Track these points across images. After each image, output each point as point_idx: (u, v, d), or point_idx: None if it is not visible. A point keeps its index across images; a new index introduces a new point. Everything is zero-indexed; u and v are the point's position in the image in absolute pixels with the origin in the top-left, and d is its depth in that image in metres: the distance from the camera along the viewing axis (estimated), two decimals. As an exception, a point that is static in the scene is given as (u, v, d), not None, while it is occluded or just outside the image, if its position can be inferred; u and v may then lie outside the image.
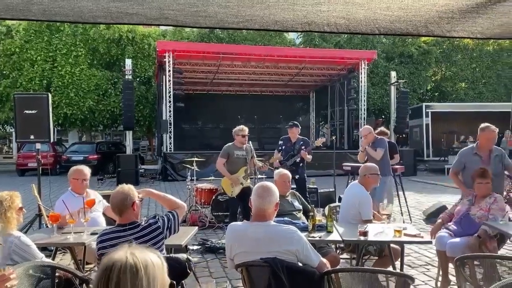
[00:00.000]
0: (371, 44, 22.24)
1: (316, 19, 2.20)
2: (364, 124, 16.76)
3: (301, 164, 6.57)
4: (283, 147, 6.81)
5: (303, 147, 6.54)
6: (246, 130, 6.10)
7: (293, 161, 6.56)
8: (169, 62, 15.24)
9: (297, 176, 6.53)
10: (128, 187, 2.70)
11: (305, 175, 6.70)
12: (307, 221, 3.64)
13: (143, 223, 2.70)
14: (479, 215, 3.95)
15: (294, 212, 4.13)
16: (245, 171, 6.06)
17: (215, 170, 12.53)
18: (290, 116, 21.64)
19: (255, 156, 6.20)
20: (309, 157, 6.51)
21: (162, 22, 2.18)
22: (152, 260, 1.28)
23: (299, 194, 4.54)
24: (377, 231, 3.54)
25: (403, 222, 4.00)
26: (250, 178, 6.21)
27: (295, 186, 6.55)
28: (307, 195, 6.60)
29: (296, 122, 6.85)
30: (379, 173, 4.25)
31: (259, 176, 7.23)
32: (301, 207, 4.30)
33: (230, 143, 6.13)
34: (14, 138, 18.46)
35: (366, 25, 2.23)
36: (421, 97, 24.08)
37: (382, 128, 7.55)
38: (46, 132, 5.85)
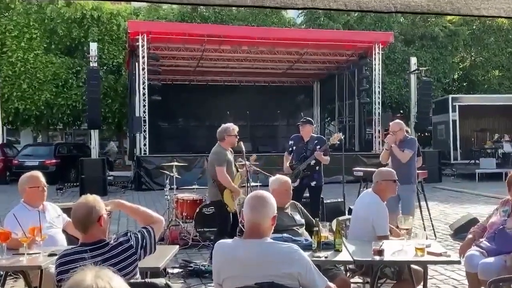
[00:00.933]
0: (386, 24, 22.36)
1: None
2: (379, 121, 16.88)
3: (317, 168, 6.57)
4: (294, 147, 6.78)
5: (318, 147, 6.53)
6: (237, 128, 6.04)
7: (307, 164, 6.53)
8: (142, 46, 15.21)
9: (313, 183, 6.55)
10: (93, 198, 2.69)
11: (323, 182, 6.70)
12: (311, 238, 3.64)
13: (112, 241, 2.69)
14: (517, 229, 3.96)
15: (295, 228, 4.14)
16: (240, 177, 6.07)
17: (198, 176, 12.65)
18: (289, 112, 21.74)
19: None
20: (326, 158, 6.54)
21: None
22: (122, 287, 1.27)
23: (300, 206, 4.55)
24: (395, 250, 3.55)
25: (426, 238, 4.01)
26: (242, 186, 6.21)
27: (307, 195, 6.57)
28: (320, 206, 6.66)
29: (309, 119, 6.88)
30: (395, 179, 4.27)
31: (253, 183, 7.26)
32: (303, 221, 4.30)
33: (218, 147, 5.92)
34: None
35: (380, 1, 2.23)
36: (447, 87, 24.24)
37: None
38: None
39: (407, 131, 6.86)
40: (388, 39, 17.25)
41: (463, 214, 8.42)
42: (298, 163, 6.61)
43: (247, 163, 6.36)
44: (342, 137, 6.90)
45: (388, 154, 6.38)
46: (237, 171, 6.07)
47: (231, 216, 5.92)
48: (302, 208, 4.56)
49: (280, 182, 4.28)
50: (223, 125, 6.01)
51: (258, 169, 8.03)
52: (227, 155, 5.84)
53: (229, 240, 2.73)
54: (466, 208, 10.13)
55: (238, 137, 5.99)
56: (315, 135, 6.73)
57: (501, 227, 4.03)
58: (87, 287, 1.25)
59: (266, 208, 2.61)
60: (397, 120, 6.62)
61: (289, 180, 4.36)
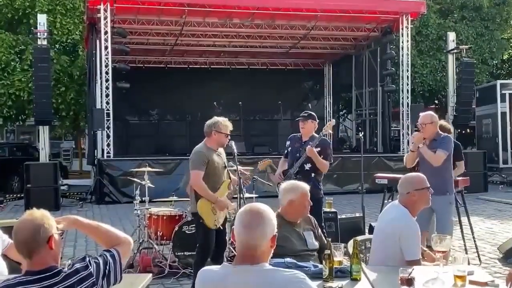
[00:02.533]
0: (417, -10, 22.42)
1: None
2: (408, 114, 16.93)
3: (313, 175, 6.44)
4: (289, 148, 6.79)
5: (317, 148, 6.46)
6: (230, 125, 6.04)
7: (299, 165, 6.45)
8: (105, 19, 15.18)
9: None
10: (41, 214, 2.66)
11: (322, 193, 6.58)
12: (322, 264, 3.64)
13: (65, 268, 2.67)
14: None
15: (308, 252, 4.15)
16: (228, 186, 6.04)
17: (178, 186, 12.63)
18: (293, 103, 21.75)
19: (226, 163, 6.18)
20: (324, 162, 6.42)
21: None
22: None
23: (315, 221, 4.54)
24: (429, 278, 3.55)
25: (468, 264, 4.02)
26: (234, 197, 6.19)
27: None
28: (323, 225, 6.50)
29: (312, 113, 6.80)
30: (428, 186, 4.28)
31: (247, 194, 7.25)
32: (317, 244, 4.30)
33: (201, 146, 5.96)
34: None
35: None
36: (494, 71, 24.32)
37: (443, 122, 7.54)
38: None
39: (443, 127, 6.84)
40: (420, 9, 17.29)
41: (515, 233, 8.45)
42: (290, 167, 6.59)
43: (241, 168, 6.34)
44: (333, 124, 6.88)
45: (414, 156, 6.31)
46: (229, 178, 6.07)
47: (215, 234, 5.90)
48: (317, 224, 4.55)
49: (299, 190, 4.27)
50: (214, 118, 6.02)
51: (255, 176, 8.01)
52: (211, 156, 5.85)
53: (216, 267, 2.72)
54: (519, 225, 10.15)
55: (229, 136, 6.00)
56: (317, 135, 6.64)
57: None
58: None
59: (263, 226, 2.60)
60: (429, 112, 6.56)
61: (308, 188, 4.38)
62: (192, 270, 6.66)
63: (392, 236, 4.07)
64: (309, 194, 4.36)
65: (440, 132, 6.29)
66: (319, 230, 4.51)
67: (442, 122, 7.69)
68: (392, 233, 4.09)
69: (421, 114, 6.38)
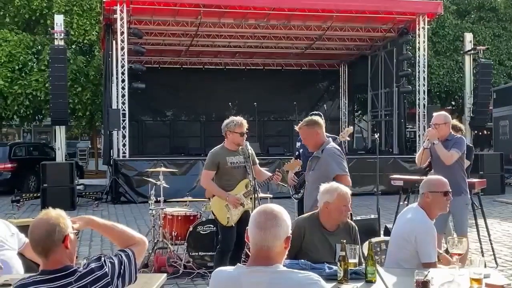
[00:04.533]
0: (434, -10, 22.30)
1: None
2: (424, 115, 16.82)
3: None
4: (301, 150, 6.80)
5: None
6: (245, 124, 6.07)
7: None
8: (121, 19, 15.26)
9: None
10: (56, 214, 2.68)
11: None
12: (336, 265, 3.63)
13: (81, 268, 2.68)
14: None
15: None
16: (246, 185, 6.09)
17: (193, 186, 12.66)
18: (308, 103, 21.69)
19: (257, 161, 6.23)
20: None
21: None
22: None
23: (356, 230, 4.32)
24: (445, 281, 3.53)
25: (485, 266, 3.98)
26: (251, 197, 6.20)
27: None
28: None
29: (319, 113, 6.81)
30: (447, 190, 4.24)
31: (262, 194, 7.23)
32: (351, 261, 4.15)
33: (218, 147, 6.11)
34: None
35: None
36: (511, 72, 24.09)
37: (455, 121, 7.51)
38: None
39: (454, 127, 6.83)
40: (437, 9, 17.18)
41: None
42: (304, 170, 6.56)
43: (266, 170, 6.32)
44: (351, 131, 6.82)
45: (426, 155, 6.31)
46: (253, 177, 6.00)
47: (235, 233, 5.99)
48: (358, 235, 4.34)
49: (336, 192, 4.17)
50: (230, 118, 6.10)
51: (280, 173, 7.99)
52: (224, 156, 5.97)
53: (229, 268, 2.72)
54: (536, 228, 10.07)
55: (244, 135, 6.03)
56: (329, 135, 6.61)
57: None
58: None
59: (277, 228, 2.59)
60: (442, 112, 6.55)
61: (349, 191, 4.25)
62: (206, 270, 6.74)
63: (408, 237, 4.07)
64: (348, 198, 4.19)
65: (453, 133, 6.30)
66: (358, 243, 4.28)
67: (454, 121, 7.67)
68: (408, 235, 4.07)
69: (435, 114, 6.39)
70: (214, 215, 6.09)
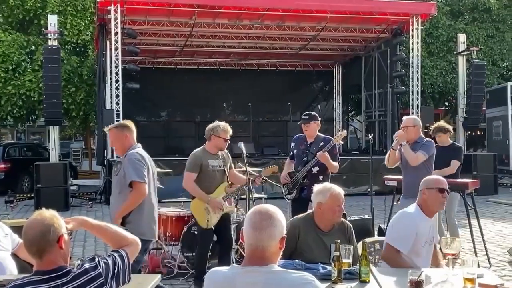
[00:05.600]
0: (427, -9, 22.36)
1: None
2: (418, 116, 16.83)
3: (321, 177, 6.42)
4: (295, 150, 6.81)
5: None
6: (230, 131, 6.18)
7: (307, 170, 6.47)
8: (115, 19, 15.23)
9: None
10: (50, 215, 2.68)
11: None
12: (330, 265, 3.64)
13: (75, 268, 2.69)
14: None
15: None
16: (226, 189, 6.21)
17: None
18: (302, 104, 21.71)
19: (232, 165, 6.38)
20: (334, 164, 6.46)
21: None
22: None
23: (352, 230, 4.36)
24: (438, 281, 3.54)
25: (478, 266, 4.00)
26: (242, 198, 6.23)
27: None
28: None
29: (314, 113, 6.82)
30: (443, 187, 4.27)
31: (256, 195, 7.24)
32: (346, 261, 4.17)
33: (199, 149, 6.22)
34: None
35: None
36: (505, 73, 24.18)
37: (443, 123, 7.61)
38: None
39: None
40: (430, 10, 17.22)
41: (525, 236, 8.41)
42: (297, 170, 6.59)
43: (250, 169, 6.36)
44: (345, 135, 6.84)
45: (396, 157, 6.43)
46: (228, 181, 6.23)
47: (212, 234, 6.19)
48: (353, 234, 4.37)
49: (328, 193, 4.20)
50: (215, 122, 6.19)
51: (264, 178, 8.03)
52: (206, 159, 6.07)
53: (224, 268, 2.73)
54: (529, 228, 10.09)
55: (228, 141, 6.17)
56: (322, 136, 6.66)
57: None
58: None
59: (272, 228, 2.60)
60: (412, 116, 6.70)
61: (342, 191, 4.27)
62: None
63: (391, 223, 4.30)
64: (341, 198, 4.21)
65: (423, 137, 6.40)
66: (354, 239, 4.35)
67: (442, 123, 7.73)
68: (392, 221, 4.32)
69: (405, 117, 6.57)
70: (193, 217, 6.20)
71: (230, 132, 6.14)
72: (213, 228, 6.12)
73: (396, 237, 4.17)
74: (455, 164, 7.34)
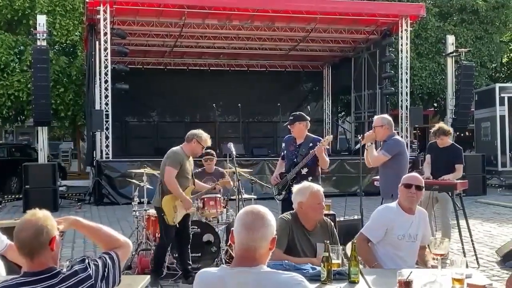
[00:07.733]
0: (416, -7, 22.45)
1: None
2: (407, 116, 16.94)
3: (310, 179, 6.40)
4: (285, 151, 6.85)
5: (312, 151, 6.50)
6: (209, 143, 6.53)
7: (296, 172, 6.50)
8: (104, 20, 15.18)
9: None
10: (44, 215, 2.66)
11: None
12: (320, 266, 3.64)
13: (64, 270, 2.67)
14: None
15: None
16: (192, 192, 6.57)
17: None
18: (292, 105, 21.69)
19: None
20: (328, 160, 6.55)
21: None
22: None
23: (334, 229, 4.43)
24: (427, 281, 3.55)
25: (467, 267, 4.02)
26: (231, 199, 6.29)
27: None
28: None
29: (299, 114, 6.85)
30: (410, 183, 4.38)
31: (246, 195, 7.25)
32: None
33: (178, 148, 6.47)
34: None
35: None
36: (493, 74, 24.35)
37: (442, 125, 7.69)
38: None
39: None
40: (419, 12, 17.29)
41: (513, 236, 8.45)
42: (287, 171, 6.63)
43: (240, 170, 6.40)
44: (331, 140, 6.87)
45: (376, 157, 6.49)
46: (194, 184, 6.59)
47: (175, 231, 6.40)
48: (335, 230, 4.45)
49: (307, 191, 4.22)
50: (198, 130, 6.51)
51: (253, 178, 8.07)
52: (184, 160, 6.34)
53: (214, 269, 2.73)
54: (517, 228, 10.14)
55: (203, 150, 6.64)
56: (311, 136, 6.69)
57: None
58: None
59: (265, 228, 2.60)
60: (381, 115, 6.72)
61: (321, 189, 4.33)
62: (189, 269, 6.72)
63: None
64: (321, 195, 4.25)
65: (394, 136, 6.45)
66: (337, 237, 4.42)
67: (441, 124, 7.78)
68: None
69: (375, 117, 6.68)
70: (163, 212, 6.30)
71: (209, 144, 6.52)
72: (178, 225, 6.37)
73: (368, 226, 4.44)
74: (460, 168, 7.48)
